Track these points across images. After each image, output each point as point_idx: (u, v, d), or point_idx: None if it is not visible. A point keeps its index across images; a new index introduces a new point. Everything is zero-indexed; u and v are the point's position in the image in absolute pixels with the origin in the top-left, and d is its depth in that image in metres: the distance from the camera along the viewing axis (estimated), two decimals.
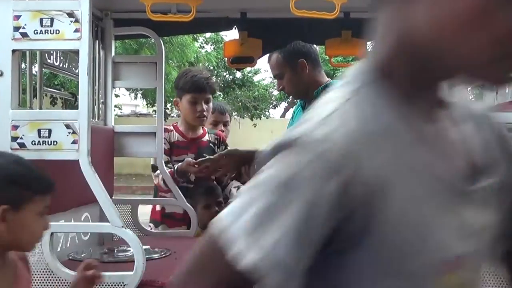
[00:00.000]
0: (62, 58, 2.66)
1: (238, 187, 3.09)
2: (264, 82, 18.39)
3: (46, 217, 1.48)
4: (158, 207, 3.07)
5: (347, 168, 0.68)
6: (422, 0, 0.71)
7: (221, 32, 13.21)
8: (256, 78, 18.06)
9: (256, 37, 2.91)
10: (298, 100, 3.22)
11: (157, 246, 2.41)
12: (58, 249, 2.14)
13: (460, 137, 0.80)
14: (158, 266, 2.10)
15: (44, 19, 1.94)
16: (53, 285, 1.92)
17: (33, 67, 2.49)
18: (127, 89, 14.24)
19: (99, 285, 1.78)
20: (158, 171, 2.92)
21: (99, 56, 2.82)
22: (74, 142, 1.91)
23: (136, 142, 2.85)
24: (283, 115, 19.33)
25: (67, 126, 1.92)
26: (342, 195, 0.68)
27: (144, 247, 1.97)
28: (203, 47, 15.98)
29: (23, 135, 1.93)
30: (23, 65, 2.35)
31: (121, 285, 1.86)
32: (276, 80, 3.02)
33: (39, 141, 1.93)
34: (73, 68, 2.75)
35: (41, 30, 1.94)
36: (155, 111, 11.19)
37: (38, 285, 1.93)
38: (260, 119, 17.50)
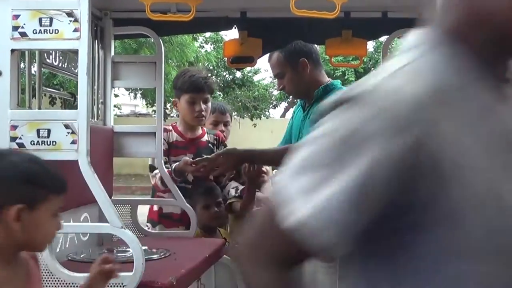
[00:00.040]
0: (61, 57, 2.65)
1: (237, 188, 3.08)
2: (264, 82, 18.41)
3: (59, 217, 1.47)
4: (155, 207, 3.06)
5: (418, 126, 0.61)
6: None
7: (221, 32, 13.20)
8: (256, 78, 18.08)
9: (256, 36, 2.90)
10: (298, 100, 3.22)
11: (156, 247, 2.40)
12: (57, 250, 2.13)
13: None
14: (157, 267, 2.09)
15: (43, 19, 1.93)
16: (52, 286, 1.91)
17: (32, 66, 2.48)
18: (127, 89, 14.24)
19: None
20: (155, 171, 2.92)
21: (99, 56, 2.81)
22: (73, 142, 1.91)
23: (136, 142, 2.84)
24: (283, 115, 19.32)
25: (66, 126, 1.91)
26: (409, 156, 0.60)
27: (144, 247, 1.96)
28: (203, 46, 15.98)
29: (22, 135, 1.92)
30: (22, 65, 2.34)
31: (120, 286, 1.85)
32: (276, 79, 3.01)
33: (38, 141, 1.91)
34: (72, 68, 2.74)
35: (40, 30, 1.93)
36: (154, 111, 11.18)
37: None
38: (260, 119, 17.50)
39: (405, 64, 0.67)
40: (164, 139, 2.92)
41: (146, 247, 2.16)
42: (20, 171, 1.39)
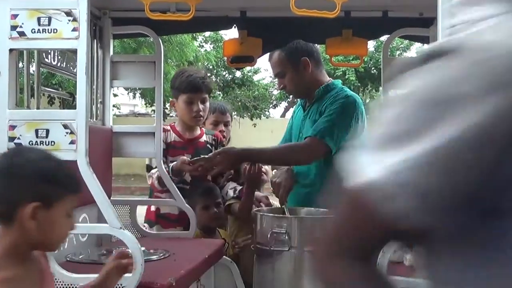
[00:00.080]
0: (60, 57, 2.64)
1: (235, 188, 3.07)
2: (264, 81, 18.39)
3: (73, 217, 1.45)
4: (153, 207, 3.05)
5: None
6: None
7: (220, 31, 13.18)
8: (256, 78, 18.06)
9: (256, 36, 2.89)
10: (298, 100, 3.21)
11: (155, 248, 2.38)
12: (56, 250, 2.11)
13: None
14: (157, 268, 2.08)
15: (41, 18, 1.92)
16: None
17: (30, 66, 2.47)
18: (126, 89, 14.22)
19: None
20: (152, 171, 2.91)
21: (97, 56, 2.80)
22: (72, 142, 1.90)
23: (135, 142, 2.83)
24: (283, 115, 19.31)
25: (65, 126, 1.91)
26: (507, 118, 0.53)
27: (142, 248, 1.95)
28: (203, 46, 15.97)
29: (20, 135, 1.91)
30: (20, 65, 2.33)
31: (119, 287, 1.84)
32: (277, 79, 3.00)
33: (36, 142, 1.90)
34: (71, 68, 2.74)
35: (38, 29, 1.92)
36: (154, 110, 11.16)
37: None
38: (260, 119, 17.49)
39: (507, 18, 0.59)
40: (162, 139, 2.90)
41: (145, 248, 2.15)
42: (37, 169, 1.36)
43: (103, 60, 2.84)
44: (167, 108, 13.86)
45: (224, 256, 2.70)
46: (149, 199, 3.06)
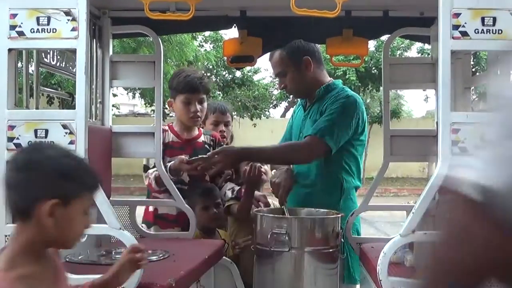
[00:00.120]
0: (59, 57, 2.63)
1: (233, 189, 3.06)
2: (264, 81, 18.38)
3: (89, 215, 1.45)
4: (151, 208, 3.04)
5: None
6: None
7: (220, 31, 13.17)
8: (256, 77, 18.05)
9: (256, 35, 2.88)
10: (298, 100, 3.20)
11: (155, 248, 2.37)
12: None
13: None
14: (156, 269, 2.07)
15: (40, 18, 1.92)
16: None
17: (29, 66, 2.46)
18: (125, 89, 14.21)
19: None
20: (149, 171, 2.89)
21: (97, 55, 2.79)
22: (71, 142, 1.89)
23: (134, 142, 2.82)
24: (283, 115, 19.31)
25: (64, 126, 1.91)
26: None
27: None
28: (202, 45, 15.95)
29: (19, 135, 1.91)
30: (19, 64, 2.32)
31: None
32: (277, 78, 2.99)
33: (35, 142, 1.89)
34: (70, 67, 2.73)
35: (37, 29, 1.92)
36: (153, 110, 11.13)
37: None
38: (260, 119, 17.48)
39: None
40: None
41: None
42: (56, 166, 1.36)
43: (102, 60, 2.83)
44: (166, 108, 13.86)
45: (224, 257, 2.69)
46: (149, 199, 3.05)
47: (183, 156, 2.84)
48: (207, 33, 15.48)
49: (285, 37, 2.84)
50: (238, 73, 17.16)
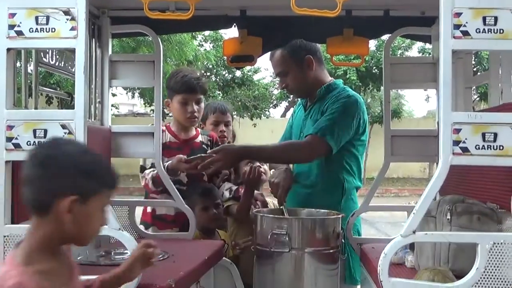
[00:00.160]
0: (58, 56, 2.62)
1: (230, 189, 3.05)
2: (264, 81, 18.39)
3: (106, 212, 1.44)
4: (148, 209, 3.03)
5: None
6: None
7: (220, 30, 13.16)
8: (256, 77, 18.06)
9: (256, 35, 2.87)
10: (298, 99, 3.19)
11: None
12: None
13: None
14: (156, 269, 2.05)
15: (39, 17, 1.91)
16: None
17: (28, 65, 2.45)
18: (124, 88, 14.21)
19: None
20: (146, 171, 2.88)
21: (96, 55, 2.79)
22: None
23: (134, 142, 2.81)
24: (283, 115, 19.32)
25: (63, 126, 1.89)
26: None
27: None
28: (202, 45, 15.96)
29: (18, 135, 1.90)
30: (18, 64, 2.31)
31: None
32: (278, 78, 2.98)
33: (34, 142, 1.89)
34: (69, 67, 2.71)
35: (36, 28, 1.91)
36: (152, 110, 11.12)
37: None
38: (260, 118, 17.48)
39: None
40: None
41: None
42: (76, 162, 1.35)
43: (101, 60, 2.82)
44: (166, 108, 13.85)
45: (223, 258, 2.68)
46: (148, 200, 3.04)
47: (181, 155, 2.82)
48: (206, 33, 15.49)
49: (285, 37, 2.83)
50: (238, 73, 17.16)
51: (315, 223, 2.41)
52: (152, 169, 2.88)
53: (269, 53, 2.94)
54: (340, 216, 2.45)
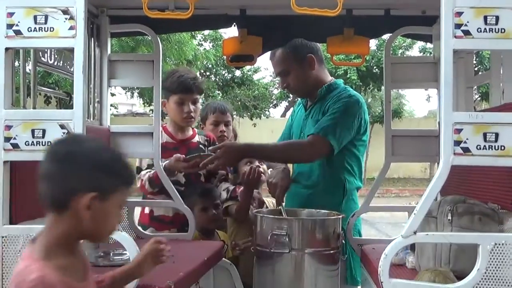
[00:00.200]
0: (56, 56, 2.61)
1: (227, 189, 3.04)
2: (264, 80, 18.37)
3: (123, 210, 1.45)
4: (146, 210, 3.01)
5: None
6: None
7: (220, 30, 13.16)
8: (256, 77, 18.04)
9: (256, 34, 2.86)
10: (298, 99, 3.17)
11: None
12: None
13: None
14: (155, 270, 2.04)
15: (38, 16, 1.90)
16: None
17: (26, 65, 2.44)
18: (123, 88, 14.19)
19: None
20: (142, 172, 2.87)
21: (95, 54, 2.78)
22: None
23: (133, 142, 2.80)
24: (283, 115, 19.31)
25: (62, 126, 1.89)
26: None
27: None
28: (202, 44, 15.93)
29: (16, 135, 1.90)
30: (16, 63, 2.30)
31: None
32: (279, 77, 2.97)
33: (32, 142, 1.89)
34: (68, 67, 2.71)
35: (35, 28, 1.91)
36: (152, 110, 11.14)
37: None
38: (260, 118, 17.47)
39: None
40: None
41: None
42: (96, 159, 1.36)
43: (100, 59, 2.81)
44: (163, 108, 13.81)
45: (223, 258, 2.67)
46: (148, 200, 3.02)
47: (179, 154, 2.81)
48: (206, 32, 15.47)
49: (286, 36, 2.82)
50: (237, 72, 17.15)
51: (315, 224, 2.40)
52: (148, 170, 2.87)
53: (269, 52, 2.93)
54: (340, 216, 2.44)
